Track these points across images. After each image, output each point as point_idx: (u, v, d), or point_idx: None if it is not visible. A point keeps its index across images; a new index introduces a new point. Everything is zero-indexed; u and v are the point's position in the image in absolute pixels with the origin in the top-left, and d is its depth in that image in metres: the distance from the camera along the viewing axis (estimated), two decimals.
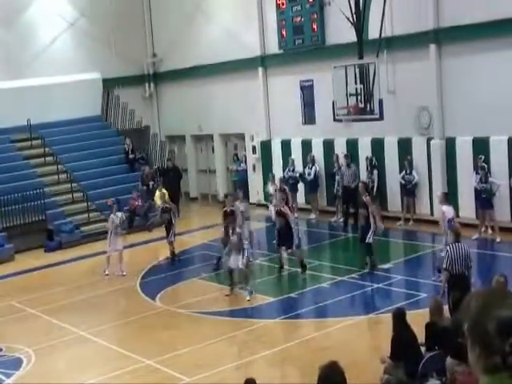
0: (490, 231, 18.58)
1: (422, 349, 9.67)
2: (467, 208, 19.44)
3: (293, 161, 23.64)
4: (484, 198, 18.39)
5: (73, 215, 23.65)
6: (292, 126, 24.26)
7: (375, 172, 21.31)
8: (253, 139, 25.82)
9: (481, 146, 19.01)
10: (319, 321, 14.39)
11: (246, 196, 25.85)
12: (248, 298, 15.23)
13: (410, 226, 20.48)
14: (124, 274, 18.25)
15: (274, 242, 17.58)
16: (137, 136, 27.81)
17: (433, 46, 19.89)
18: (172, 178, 26.12)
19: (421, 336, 9.71)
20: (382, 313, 13.72)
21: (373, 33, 20.37)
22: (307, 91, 23.80)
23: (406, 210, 20.86)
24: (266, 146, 25.39)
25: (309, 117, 23.93)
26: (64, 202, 24.04)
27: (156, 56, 29.80)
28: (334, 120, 19.99)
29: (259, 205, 24.94)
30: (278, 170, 24.51)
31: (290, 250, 16.92)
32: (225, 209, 17.56)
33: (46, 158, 25.25)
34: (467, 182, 19.25)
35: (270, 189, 20.97)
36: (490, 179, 18.40)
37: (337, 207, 22.48)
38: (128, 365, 12.49)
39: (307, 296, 15.76)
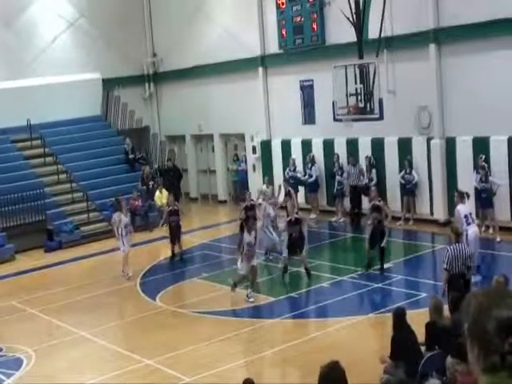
0: (490, 230, 18.58)
1: (422, 348, 9.68)
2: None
3: (294, 160, 23.64)
4: (484, 198, 18.40)
5: (73, 215, 23.65)
6: (292, 126, 24.27)
7: (374, 171, 21.36)
8: (253, 139, 25.82)
9: (481, 146, 19.02)
10: (320, 320, 14.39)
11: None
12: (251, 300, 15.15)
13: (410, 226, 20.49)
14: (130, 275, 18.11)
15: (283, 254, 17.00)
16: (137, 136, 27.83)
17: (432, 46, 19.89)
18: (172, 178, 26.15)
19: (421, 335, 9.71)
20: (382, 312, 13.72)
21: (373, 32, 20.35)
22: (307, 91, 23.81)
23: (405, 209, 20.87)
24: (266, 146, 25.39)
25: (309, 117, 23.94)
26: (64, 202, 24.05)
27: (156, 56, 29.81)
28: (334, 120, 19.99)
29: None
30: (278, 170, 24.54)
31: (303, 254, 16.43)
32: (245, 203, 18.53)
33: (46, 158, 25.25)
34: (467, 181, 19.23)
35: (264, 188, 20.85)
36: (490, 179, 18.41)
37: (337, 207, 22.48)
38: (128, 365, 12.49)
39: (308, 296, 15.77)
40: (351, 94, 18.90)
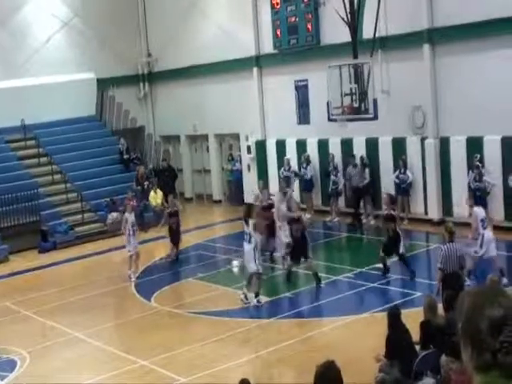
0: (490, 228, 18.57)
1: (417, 347, 9.69)
2: (461, 207, 19.47)
3: (288, 160, 23.66)
4: (478, 197, 18.42)
5: (67, 216, 23.62)
6: (287, 126, 24.27)
7: (367, 170, 21.40)
8: (247, 139, 25.82)
9: (474, 146, 19.06)
10: (315, 320, 14.39)
11: (241, 196, 25.93)
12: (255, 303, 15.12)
13: (405, 225, 20.49)
14: (135, 277, 17.88)
15: (283, 255, 17.03)
16: (131, 136, 27.81)
17: (427, 46, 19.93)
18: (167, 178, 26.15)
19: (416, 334, 9.73)
20: (377, 312, 13.73)
21: (367, 33, 20.38)
22: (302, 91, 23.82)
23: (400, 209, 20.88)
24: (260, 146, 25.40)
25: (303, 116, 23.95)
26: (58, 202, 24.02)
27: (151, 56, 29.78)
28: (329, 120, 20.01)
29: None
30: (273, 170, 24.55)
31: (308, 261, 16.11)
32: (263, 204, 18.24)
33: (41, 159, 25.22)
34: (461, 180, 19.30)
35: (258, 192, 20.80)
36: (484, 178, 18.46)
37: (331, 207, 22.50)
38: (123, 365, 12.47)
39: (303, 295, 15.77)
40: (346, 94, 18.91)
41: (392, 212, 16.28)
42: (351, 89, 18.76)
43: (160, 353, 12.79)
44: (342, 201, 22.62)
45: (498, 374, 2.22)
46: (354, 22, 19.53)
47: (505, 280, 13.67)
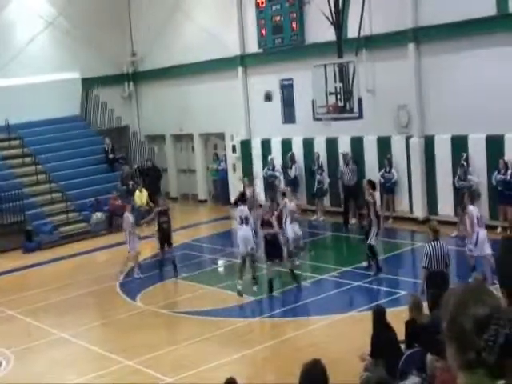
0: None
1: (402, 346, 9.71)
2: (446, 206, 19.58)
3: (272, 159, 23.68)
4: (463, 195, 18.50)
5: (52, 216, 23.50)
6: (272, 125, 24.27)
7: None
8: (233, 138, 25.80)
9: (459, 144, 19.15)
10: (300, 319, 14.39)
11: (226, 196, 25.91)
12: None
13: (390, 224, 20.57)
14: (141, 276, 17.78)
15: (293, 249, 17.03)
16: (116, 136, 27.71)
17: (411, 45, 19.99)
18: (152, 177, 26.08)
19: (401, 333, 9.76)
20: (362, 310, 13.76)
21: (352, 32, 20.43)
22: (287, 90, 23.83)
23: (385, 207, 20.94)
24: (245, 146, 25.39)
25: (289, 116, 23.96)
26: (43, 202, 23.89)
27: (135, 55, 29.69)
28: (314, 119, 20.02)
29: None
30: (258, 170, 24.53)
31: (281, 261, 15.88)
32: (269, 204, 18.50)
33: (25, 159, 25.07)
34: (446, 179, 19.39)
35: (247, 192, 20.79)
36: (469, 177, 18.55)
37: (317, 206, 22.53)
38: (108, 366, 12.43)
39: (288, 295, 15.76)
40: (331, 93, 18.93)
41: (369, 198, 16.27)
42: (336, 88, 18.78)
43: (145, 353, 12.75)
44: (327, 200, 22.65)
45: (482, 372, 2.22)
46: (339, 20, 19.55)
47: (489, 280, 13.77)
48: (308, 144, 23.13)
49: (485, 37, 18.25)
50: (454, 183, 19.00)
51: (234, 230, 20.39)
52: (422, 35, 19.81)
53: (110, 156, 26.22)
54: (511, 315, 2.32)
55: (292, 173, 23.05)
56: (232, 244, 20.52)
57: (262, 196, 22.00)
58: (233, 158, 25.89)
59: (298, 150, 23.47)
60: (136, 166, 27.37)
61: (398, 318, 10.51)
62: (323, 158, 22.48)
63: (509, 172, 17.93)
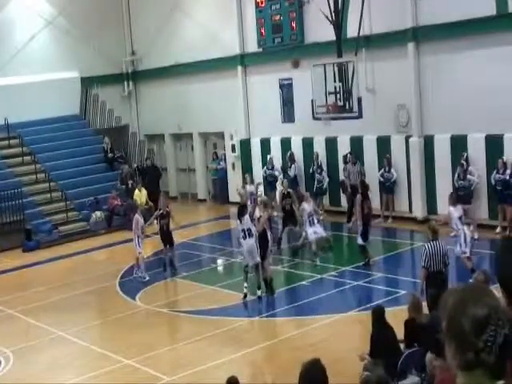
0: (471, 227, 18.65)
1: (402, 346, 9.72)
2: (445, 205, 19.54)
3: (271, 159, 23.68)
4: (462, 195, 18.52)
5: (51, 215, 23.49)
6: (271, 125, 24.27)
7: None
8: (232, 138, 25.80)
9: (459, 144, 19.16)
10: (299, 319, 14.40)
11: (225, 195, 25.92)
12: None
13: (389, 224, 20.58)
14: (147, 278, 17.50)
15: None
16: (116, 135, 27.69)
17: (411, 45, 19.99)
18: (151, 176, 26.06)
19: (400, 333, 9.76)
20: (362, 310, 13.76)
21: (351, 31, 20.43)
22: (286, 89, 23.83)
23: (384, 207, 20.96)
24: (245, 145, 25.39)
25: (288, 115, 23.96)
26: (42, 201, 23.88)
27: (135, 54, 29.68)
28: (313, 118, 20.02)
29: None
30: (257, 169, 24.54)
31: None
32: (283, 191, 19.23)
33: (24, 158, 25.06)
34: (445, 179, 19.40)
35: (248, 188, 20.79)
36: (469, 176, 18.55)
37: (317, 205, 22.49)
38: (107, 365, 12.43)
39: (287, 294, 15.77)
40: (330, 93, 18.92)
41: (357, 197, 16.58)
42: (335, 87, 18.77)
43: (144, 352, 12.76)
44: (326, 199, 22.65)
45: (481, 372, 2.22)
46: (339, 20, 19.54)
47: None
48: (307, 143, 23.13)
49: (484, 36, 18.25)
50: (453, 183, 19.01)
51: (233, 229, 20.41)
52: (422, 35, 19.80)
53: (110, 155, 26.21)
54: (510, 315, 2.33)
55: (291, 172, 23.04)
56: (231, 243, 20.55)
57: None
58: (232, 158, 25.90)
59: (297, 149, 23.47)
60: (135, 165, 27.36)
61: (397, 317, 10.51)
62: (322, 157, 22.48)
63: (507, 172, 17.94)
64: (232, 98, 25.35)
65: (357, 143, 21.70)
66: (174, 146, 29.29)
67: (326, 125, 21.24)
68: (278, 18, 23.23)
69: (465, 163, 18.69)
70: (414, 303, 9.83)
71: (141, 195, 24.06)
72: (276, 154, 23.97)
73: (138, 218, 17.71)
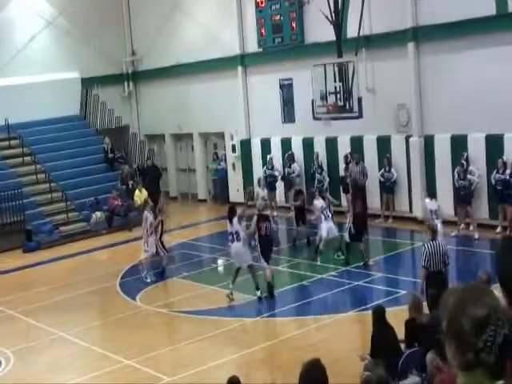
0: (471, 227, 18.71)
1: (402, 346, 9.72)
2: (445, 205, 19.56)
3: (271, 159, 23.68)
4: (462, 195, 18.55)
5: (52, 215, 23.48)
6: (271, 125, 24.28)
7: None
8: (232, 138, 25.80)
9: (459, 144, 19.15)
10: (300, 319, 14.41)
11: (226, 195, 25.94)
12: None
13: (390, 224, 20.58)
14: (148, 280, 17.27)
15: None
16: (116, 135, 27.69)
17: (411, 45, 19.99)
18: (151, 177, 26.06)
19: (401, 333, 9.76)
20: (362, 310, 13.76)
21: (352, 31, 20.43)
22: (287, 90, 23.83)
23: (385, 207, 20.96)
24: (245, 145, 25.39)
25: (288, 115, 23.96)
26: (43, 202, 23.87)
27: (135, 55, 29.69)
28: (314, 118, 20.02)
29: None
30: (257, 169, 24.55)
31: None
32: (295, 188, 19.66)
33: (25, 158, 25.05)
34: (446, 179, 19.40)
35: (260, 192, 20.69)
36: (469, 176, 18.56)
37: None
38: (108, 365, 12.44)
39: (287, 294, 15.77)
40: (330, 93, 18.91)
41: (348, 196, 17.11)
42: (336, 87, 18.76)
43: (145, 352, 12.76)
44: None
45: (481, 372, 2.22)
46: (339, 20, 19.54)
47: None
48: (307, 143, 23.13)
49: (484, 36, 18.25)
50: (453, 182, 19.02)
51: None
52: (422, 35, 19.80)
53: (110, 155, 26.21)
54: (510, 315, 2.33)
55: (292, 172, 23.02)
56: None
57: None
58: (232, 158, 25.90)
59: (297, 149, 23.47)
60: (136, 166, 27.37)
61: (397, 317, 10.51)
62: (323, 157, 22.49)
63: (507, 171, 17.94)
64: (232, 99, 25.36)
65: (357, 143, 21.70)
66: (174, 146, 29.30)
67: (326, 125, 21.23)
68: (278, 18, 23.24)
69: (465, 163, 18.69)
70: (415, 303, 9.83)
71: (141, 195, 24.00)
72: (276, 154, 23.97)
73: (147, 214, 17.45)
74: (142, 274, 17.42)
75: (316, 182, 22.16)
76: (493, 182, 18.22)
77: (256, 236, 15.46)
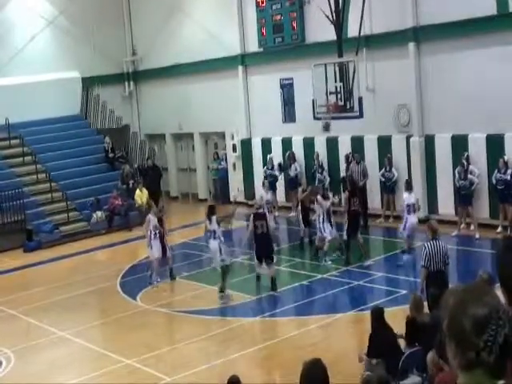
0: (472, 227, 18.71)
1: (402, 345, 9.72)
2: (446, 205, 19.58)
3: (271, 159, 23.68)
4: (463, 195, 18.54)
5: (52, 215, 23.48)
6: (272, 125, 24.28)
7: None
8: (233, 138, 25.80)
9: (459, 143, 19.15)
10: (300, 319, 14.40)
11: (226, 195, 25.93)
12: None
13: (390, 223, 20.57)
14: (158, 281, 16.99)
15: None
16: (116, 135, 27.69)
17: (412, 44, 19.98)
18: (152, 176, 26.07)
19: (401, 332, 9.76)
20: (362, 310, 13.75)
21: (352, 31, 20.43)
22: (287, 89, 23.83)
23: (385, 207, 20.95)
24: (246, 145, 25.39)
25: (289, 115, 23.96)
26: (43, 201, 23.87)
27: (136, 54, 29.69)
28: (314, 118, 20.03)
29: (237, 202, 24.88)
30: (258, 169, 24.55)
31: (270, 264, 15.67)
32: (303, 188, 19.64)
33: (25, 158, 25.05)
34: (446, 178, 19.40)
35: (264, 195, 20.61)
36: (469, 176, 18.55)
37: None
38: (108, 365, 12.43)
39: (288, 294, 15.76)
40: (331, 93, 18.94)
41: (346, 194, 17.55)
42: (336, 87, 18.79)
43: (145, 352, 12.76)
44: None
45: (481, 372, 2.22)
46: (339, 20, 19.57)
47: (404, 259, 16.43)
48: (308, 143, 23.13)
49: (485, 36, 18.24)
50: (454, 182, 19.01)
51: (233, 228, 20.40)
52: (422, 34, 19.80)
53: (110, 155, 26.21)
54: (511, 315, 2.32)
55: (292, 172, 23.04)
56: (232, 243, 20.52)
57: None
58: (233, 158, 25.91)
59: (298, 149, 23.47)
60: (136, 165, 27.37)
61: (397, 317, 10.51)
62: (323, 157, 22.48)
63: (509, 171, 17.93)
64: (233, 98, 25.36)
65: (358, 143, 21.69)
66: (174, 145, 29.30)
67: (325, 130, 21.27)
68: (278, 17, 23.24)
69: (465, 162, 18.69)
70: (416, 302, 9.83)
71: (142, 195, 24.06)
72: (277, 154, 23.96)
73: (150, 217, 17.18)
74: (153, 278, 17.02)
75: (317, 181, 22.15)
76: (494, 181, 18.21)
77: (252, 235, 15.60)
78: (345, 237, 16.95)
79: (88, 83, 28.02)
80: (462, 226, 18.84)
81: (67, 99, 27.09)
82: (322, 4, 19.62)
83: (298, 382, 5.55)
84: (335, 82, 18.80)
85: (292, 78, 23.50)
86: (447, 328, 2.28)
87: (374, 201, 21.34)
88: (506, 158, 18.05)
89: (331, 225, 17.15)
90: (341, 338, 12.82)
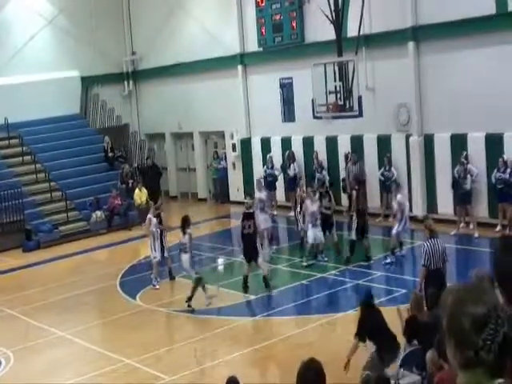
0: (471, 226, 18.71)
1: (403, 345, 9.74)
2: (445, 204, 19.58)
3: (271, 158, 23.68)
4: (462, 194, 18.54)
5: (51, 215, 23.47)
6: (272, 124, 24.28)
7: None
8: (232, 137, 25.80)
9: (459, 143, 19.16)
10: (299, 318, 14.40)
11: (226, 194, 25.95)
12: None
13: (389, 223, 20.53)
14: (158, 281, 16.91)
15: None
16: (116, 134, 27.69)
17: (411, 44, 19.98)
18: (151, 176, 26.06)
19: (400, 333, 9.77)
20: None
21: (352, 30, 20.43)
22: (287, 89, 23.83)
23: (385, 206, 20.95)
24: (245, 144, 25.38)
25: (288, 114, 23.96)
26: (42, 201, 23.86)
27: (135, 54, 29.68)
28: (314, 117, 20.02)
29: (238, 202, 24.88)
30: (258, 168, 24.54)
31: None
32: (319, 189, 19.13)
33: (24, 157, 25.04)
34: (445, 177, 19.39)
35: (257, 194, 20.57)
36: (468, 175, 18.56)
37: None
38: (108, 364, 12.43)
39: (287, 293, 15.76)
40: (330, 92, 18.91)
41: (352, 193, 17.79)
42: (336, 86, 18.76)
43: (145, 351, 12.76)
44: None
45: (481, 371, 2.22)
46: (339, 19, 19.55)
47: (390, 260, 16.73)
48: (308, 142, 23.13)
49: (484, 35, 18.24)
50: (452, 182, 19.00)
51: (233, 228, 20.40)
52: (422, 34, 19.80)
53: (110, 154, 26.20)
54: (509, 314, 2.32)
55: (291, 171, 23.03)
56: (232, 243, 20.55)
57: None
58: (233, 157, 25.90)
59: (297, 148, 23.47)
60: (136, 165, 27.37)
61: (395, 315, 10.51)
62: (323, 156, 22.47)
63: (508, 170, 17.94)
64: (232, 98, 25.35)
65: (357, 142, 21.70)
66: (174, 145, 29.30)
67: (326, 124, 21.21)
68: (278, 17, 23.23)
69: (465, 161, 18.69)
70: (416, 301, 9.85)
71: (141, 194, 24.06)
72: (277, 153, 23.96)
73: (150, 217, 17.15)
74: (153, 282, 16.90)
75: (316, 181, 22.14)
76: (493, 180, 18.22)
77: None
78: (353, 236, 16.84)
79: (87, 82, 28.03)
80: (461, 224, 18.85)
81: (66, 99, 27.09)
82: (321, 3, 19.61)
83: (295, 382, 5.55)
84: (335, 81, 18.77)
85: (291, 78, 23.50)
86: (446, 327, 2.28)
87: (373, 200, 21.33)
88: (505, 157, 18.05)
89: (317, 228, 17.06)
90: (340, 337, 12.80)
